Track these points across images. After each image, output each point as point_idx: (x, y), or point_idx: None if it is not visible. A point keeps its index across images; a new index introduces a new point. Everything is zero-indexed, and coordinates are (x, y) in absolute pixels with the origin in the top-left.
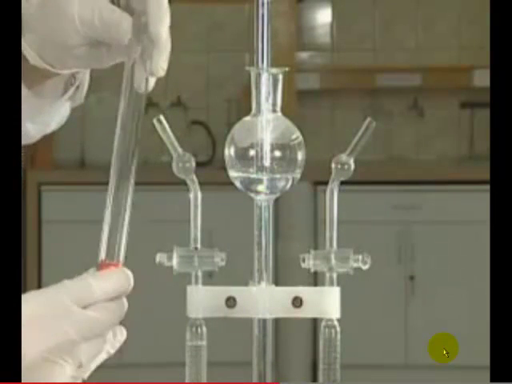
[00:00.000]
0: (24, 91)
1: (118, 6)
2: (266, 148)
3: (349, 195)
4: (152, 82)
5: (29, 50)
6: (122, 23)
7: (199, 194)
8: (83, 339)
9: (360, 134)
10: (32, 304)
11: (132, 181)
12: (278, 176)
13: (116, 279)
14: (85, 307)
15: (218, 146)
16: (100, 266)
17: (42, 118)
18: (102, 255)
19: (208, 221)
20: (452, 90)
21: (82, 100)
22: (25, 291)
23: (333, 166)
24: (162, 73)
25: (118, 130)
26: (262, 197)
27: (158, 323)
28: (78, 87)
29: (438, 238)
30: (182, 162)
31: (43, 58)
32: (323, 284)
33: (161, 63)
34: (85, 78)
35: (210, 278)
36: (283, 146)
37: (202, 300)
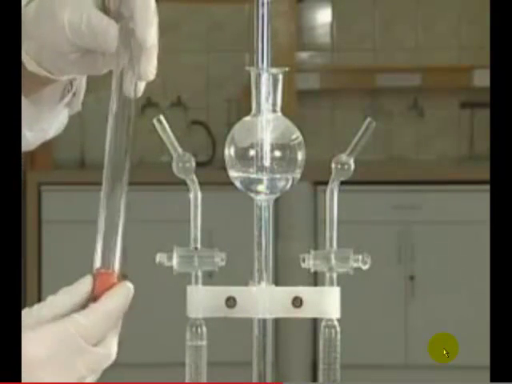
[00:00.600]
0: (22, 99)
1: (109, 11)
2: (266, 148)
3: (349, 195)
4: (142, 86)
5: (27, 56)
6: (108, 31)
7: (199, 194)
8: (93, 373)
9: (360, 134)
10: (47, 342)
11: (125, 186)
12: (278, 176)
13: (121, 301)
14: (95, 344)
15: (218, 146)
16: (96, 276)
17: (40, 125)
18: (97, 263)
19: (208, 221)
20: (452, 89)
21: (80, 107)
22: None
23: (333, 166)
24: (151, 77)
25: (108, 136)
26: (262, 197)
27: (158, 323)
28: (75, 94)
29: (438, 238)
30: (182, 162)
31: (41, 65)
32: (323, 284)
33: (149, 67)
34: (81, 84)
35: (210, 278)
36: (283, 146)
37: (202, 300)
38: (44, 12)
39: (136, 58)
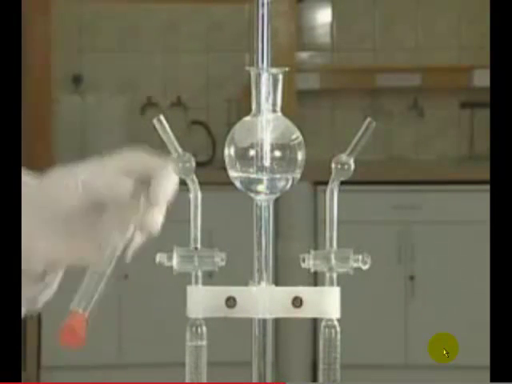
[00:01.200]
0: None
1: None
2: (266, 148)
3: (349, 195)
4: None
5: None
6: (125, 185)
7: (199, 194)
8: None
9: (360, 134)
10: None
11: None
12: (278, 176)
13: None
14: None
15: (218, 146)
16: (69, 312)
17: None
18: (76, 302)
19: (208, 221)
20: (452, 89)
21: (39, 308)
22: None
23: (333, 166)
24: (155, 230)
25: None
26: (262, 197)
27: (158, 323)
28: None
29: (438, 238)
30: (182, 162)
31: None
32: (323, 284)
33: (156, 221)
34: (54, 281)
35: (210, 278)
36: (283, 146)
37: (202, 300)
38: (50, 180)
39: (145, 211)
